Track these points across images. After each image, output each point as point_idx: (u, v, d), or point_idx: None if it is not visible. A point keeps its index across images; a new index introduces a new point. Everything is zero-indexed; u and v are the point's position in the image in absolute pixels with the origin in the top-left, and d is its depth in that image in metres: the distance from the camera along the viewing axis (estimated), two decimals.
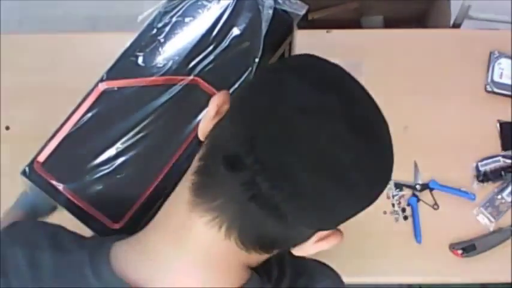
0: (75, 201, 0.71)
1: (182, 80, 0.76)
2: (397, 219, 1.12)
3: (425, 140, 1.16)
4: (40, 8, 2.00)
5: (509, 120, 1.18)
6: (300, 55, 0.54)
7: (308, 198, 0.47)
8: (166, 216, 0.55)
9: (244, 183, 0.46)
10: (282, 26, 0.81)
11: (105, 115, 0.74)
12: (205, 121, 0.54)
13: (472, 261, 1.08)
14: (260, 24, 0.76)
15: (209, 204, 0.49)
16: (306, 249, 0.53)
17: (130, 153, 0.73)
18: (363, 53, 1.22)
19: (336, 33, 1.25)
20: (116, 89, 0.76)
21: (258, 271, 0.55)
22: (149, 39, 0.78)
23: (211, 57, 0.77)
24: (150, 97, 0.75)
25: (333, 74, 0.52)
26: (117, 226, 0.71)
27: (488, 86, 1.20)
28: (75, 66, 1.21)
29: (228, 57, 0.77)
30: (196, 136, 0.57)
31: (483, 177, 1.13)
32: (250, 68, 0.77)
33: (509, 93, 1.19)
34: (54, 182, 0.72)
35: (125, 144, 0.73)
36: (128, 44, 0.78)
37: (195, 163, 0.52)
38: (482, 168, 1.14)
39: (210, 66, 0.77)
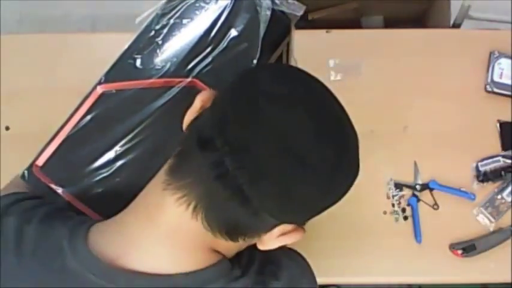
0: (74, 205, 0.71)
1: (180, 81, 0.76)
2: (397, 219, 1.12)
3: (425, 140, 1.16)
4: (40, 8, 2.00)
5: (509, 120, 1.17)
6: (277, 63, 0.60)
7: (270, 180, 0.49)
8: (142, 197, 0.58)
9: (212, 163, 0.49)
10: (280, 27, 0.81)
11: (104, 118, 0.74)
12: (190, 113, 0.58)
13: (472, 261, 1.08)
14: (258, 26, 0.76)
15: (180, 182, 0.52)
16: (270, 243, 0.56)
17: (129, 156, 0.73)
18: (362, 53, 1.21)
19: (336, 33, 1.24)
20: (114, 91, 0.76)
21: (230, 260, 0.57)
22: (147, 41, 0.78)
23: (209, 58, 0.77)
24: (148, 99, 0.75)
25: (302, 73, 0.56)
26: None
27: (488, 86, 1.19)
28: (75, 66, 1.21)
29: (226, 58, 0.77)
30: None
31: (483, 177, 1.13)
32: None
33: (509, 93, 1.19)
34: (53, 186, 0.72)
35: (124, 147, 0.73)
36: (125, 47, 0.78)
37: (175, 149, 0.55)
38: (482, 168, 1.14)
39: (208, 67, 0.76)
